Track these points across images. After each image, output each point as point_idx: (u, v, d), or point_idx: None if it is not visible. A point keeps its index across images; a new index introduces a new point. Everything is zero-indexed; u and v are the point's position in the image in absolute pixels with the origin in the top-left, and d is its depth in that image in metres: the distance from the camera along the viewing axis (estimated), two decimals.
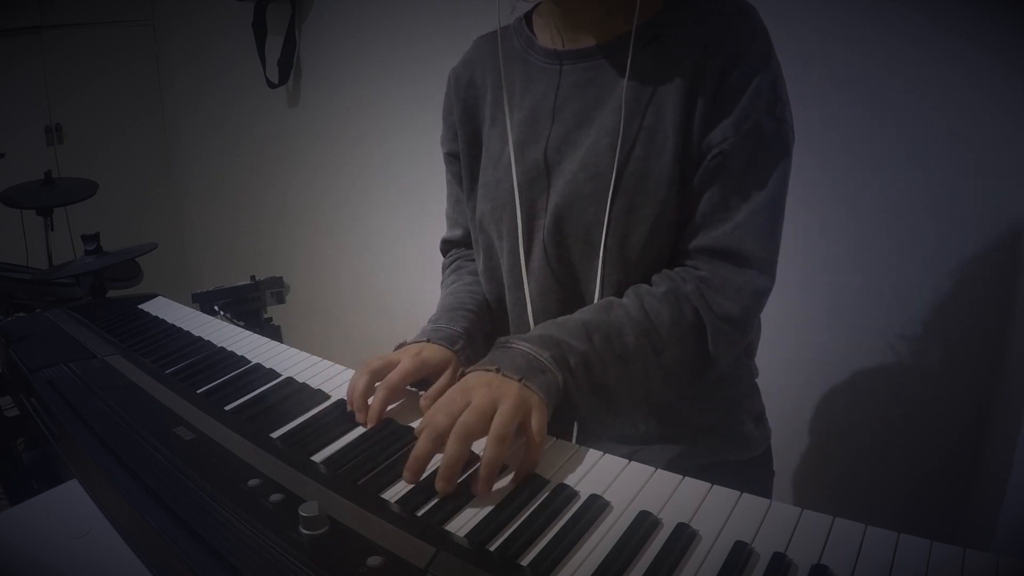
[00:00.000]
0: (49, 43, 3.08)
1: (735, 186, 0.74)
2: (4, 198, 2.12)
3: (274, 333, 1.56)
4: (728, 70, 0.73)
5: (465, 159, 0.91)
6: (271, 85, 2.66)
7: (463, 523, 0.55)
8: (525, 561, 0.51)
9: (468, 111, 0.90)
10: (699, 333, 0.73)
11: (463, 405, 0.62)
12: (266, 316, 1.71)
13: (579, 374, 0.69)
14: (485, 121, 0.89)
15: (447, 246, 1.04)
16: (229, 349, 0.94)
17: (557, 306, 0.83)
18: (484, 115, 0.89)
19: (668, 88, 0.75)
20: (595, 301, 0.79)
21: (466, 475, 0.60)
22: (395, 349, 0.81)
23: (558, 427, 0.71)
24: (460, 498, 0.58)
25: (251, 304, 1.67)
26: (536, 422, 0.62)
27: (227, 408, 0.76)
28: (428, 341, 0.80)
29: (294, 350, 0.91)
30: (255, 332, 0.99)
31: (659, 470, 0.60)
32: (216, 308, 1.59)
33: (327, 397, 0.78)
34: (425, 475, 0.61)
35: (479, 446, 0.60)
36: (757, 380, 0.92)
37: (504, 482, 0.60)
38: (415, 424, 0.70)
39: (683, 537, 0.52)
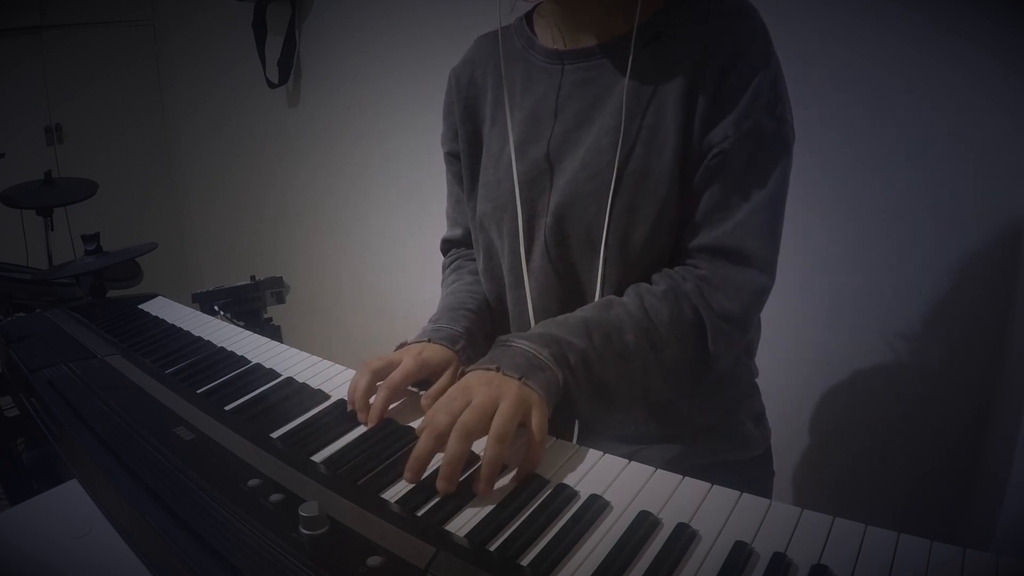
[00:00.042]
0: (49, 43, 3.08)
1: (735, 185, 0.74)
2: (4, 198, 2.12)
3: (274, 333, 1.56)
4: (728, 70, 0.73)
5: (465, 158, 0.91)
6: (271, 85, 2.67)
7: (463, 523, 0.55)
8: (525, 561, 0.51)
9: (469, 110, 0.90)
10: (699, 332, 0.73)
11: (463, 404, 0.62)
12: (266, 316, 1.71)
13: (579, 372, 0.69)
14: (486, 121, 0.89)
15: (447, 245, 1.04)
16: (229, 349, 0.94)
17: (558, 305, 0.83)
18: (485, 114, 0.89)
19: (669, 87, 0.75)
20: (596, 300, 0.79)
21: (466, 475, 0.60)
22: (396, 349, 0.81)
23: (559, 426, 0.71)
24: (460, 498, 0.58)
25: (251, 304, 1.67)
26: (536, 420, 0.62)
27: (227, 408, 0.76)
28: (429, 341, 0.81)
29: (294, 350, 0.91)
30: (255, 332, 0.99)
31: (659, 470, 0.60)
32: (216, 308, 1.59)
33: (327, 397, 0.78)
34: (425, 475, 0.61)
35: (480, 446, 0.60)
36: (757, 380, 0.92)
37: (505, 481, 0.60)
38: (416, 424, 0.70)
39: (683, 537, 0.52)
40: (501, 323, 0.91)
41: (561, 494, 0.58)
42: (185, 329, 1.05)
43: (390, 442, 0.67)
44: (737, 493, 0.56)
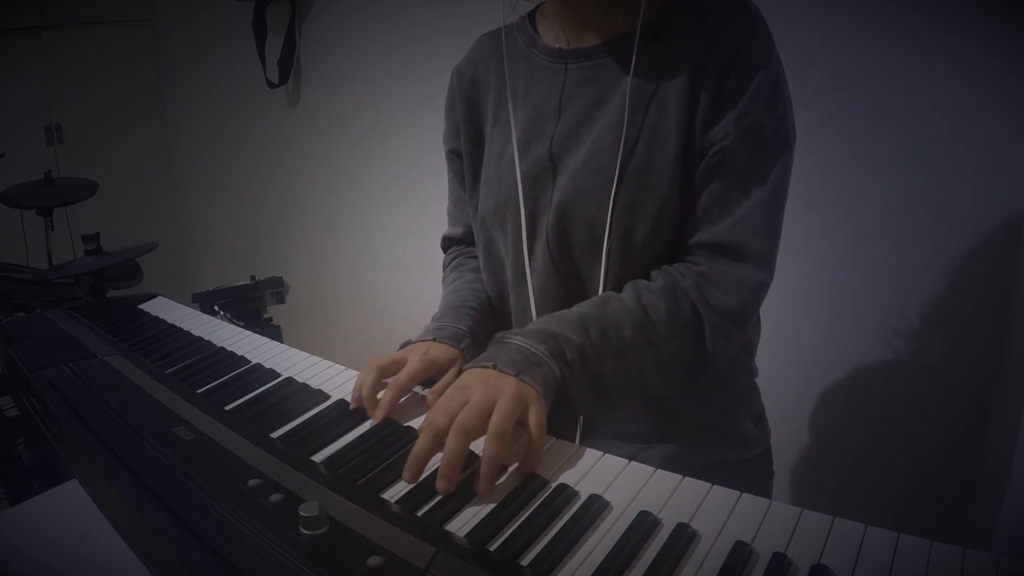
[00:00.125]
0: (49, 43, 3.08)
1: (735, 182, 0.74)
2: (4, 198, 2.12)
3: (274, 333, 1.56)
4: (728, 70, 0.73)
5: (467, 157, 0.91)
6: (271, 85, 2.66)
7: (463, 523, 0.55)
8: (525, 561, 0.51)
9: (471, 108, 0.91)
10: (696, 328, 0.73)
11: (461, 403, 0.62)
12: (266, 316, 1.71)
13: (576, 367, 0.69)
14: (488, 119, 0.89)
15: (448, 243, 1.04)
16: (229, 349, 0.94)
17: (560, 302, 0.83)
18: (487, 113, 0.89)
19: (671, 85, 0.75)
20: None
21: (466, 474, 0.60)
22: (400, 348, 0.81)
23: (562, 424, 0.71)
24: (460, 498, 0.58)
25: (251, 304, 1.67)
26: (534, 417, 0.62)
27: (227, 408, 0.76)
28: (434, 340, 0.81)
29: (294, 350, 0.91)
30: (255, 332, 0.99)
31: (659, 470, 0.60)
32: (216, 308, 1.59)
33: (327, 397, 0.78)
34: (425, 475, 0.61)
35: (479, 445, 0.60)
36: (757, 380, 0.92)
37: (505, 480, 0.60)
38: (416, 424, 0.70)
39: (683, 537, 0.52)
40: (503, 321, 0.92)
41: (561, 494, 0.58)
42: (185, 329, 1.05)
43: (390, 442, 0.67)
44: (737, 493, 0.56)
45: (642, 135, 0.76)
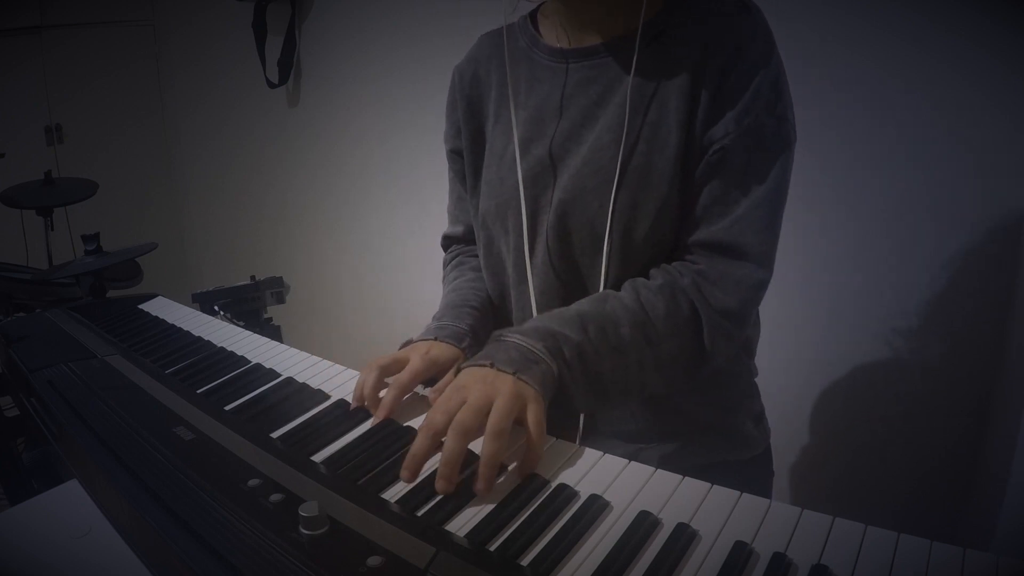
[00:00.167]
0: (49, 43, 3.08)
1: (735, 181, 0.74)
2: (4, 198, 2.12)
3: (274, 333, 1.56)
4: (728, 70, 0.73)
5: (468, 156, 0.91)
6: (271, 85, 2.67)
7: (463, 523, 0.55)
8: (525, 561, 0.51)
9: (472, 108, 0.91)
10: (695, 326, 0.73)
11: (459, 403, 0.62)
12: (266, 316, 1.71)
13: (574, 364, 0.69)
14: (489, 118, 0.89)
15: (448, 242, 1.04)
16: (229, 349, 0.94)
17: (561, 301, 0.83)
18: (488, 112, 0.89)
19: (671, 85, 0.76)
20: None
21: (465, 474, 0.60)
22: (401, 347, 0.81)
23: (563, 424, 0.71)
24: (460, 498, 0.57)
25: (251, 304, 1.67)
26: (532, 415, 0.62)
27: (227, 408, 0.76)
28: (435, 339, 0.81)
29: (294, 350, 0.91)
30: (255, 332, 0.99)
31: (659, 470, 0.60)
32: (216, 308, 1.59)
33: (327, 397, 0.78)
34: (424, 475, 0.61)
35: (479, 445, 0.60)
36: (757, 380, 0.92)
37: (505, 481, 0.60)
38: (416, 424, 0.70)
39: (683, 537, 0.52)
40: (503, 319, 0.92)
41: (561, 494, 0.58)
42: (185, 329, 1.05)
43: (390, 442, 0.67)
44: (737, 493, 0.56)
45: (643, 134, 0.76)
